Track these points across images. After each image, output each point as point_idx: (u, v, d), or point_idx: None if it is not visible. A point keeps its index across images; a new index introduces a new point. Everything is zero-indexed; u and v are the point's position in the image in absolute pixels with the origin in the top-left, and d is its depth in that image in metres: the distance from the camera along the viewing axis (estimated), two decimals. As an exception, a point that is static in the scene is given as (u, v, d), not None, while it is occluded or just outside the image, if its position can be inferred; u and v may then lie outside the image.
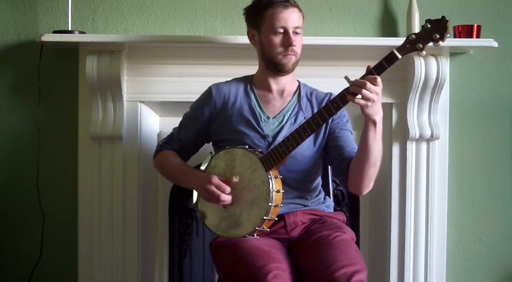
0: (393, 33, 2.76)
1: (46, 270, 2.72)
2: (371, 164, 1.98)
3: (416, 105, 2.68)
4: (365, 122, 1.94)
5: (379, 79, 1.87)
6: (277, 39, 2.11)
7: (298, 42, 2.13)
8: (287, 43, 2.10)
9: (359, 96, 1.87)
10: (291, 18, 2.10)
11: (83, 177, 2.69)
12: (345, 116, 2.22)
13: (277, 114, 2.19)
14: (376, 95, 1.86)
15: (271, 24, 2.10)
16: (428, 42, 1.88)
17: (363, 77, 1.87)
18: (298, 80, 2.28)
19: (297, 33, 2.12)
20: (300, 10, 2.15)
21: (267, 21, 2.11)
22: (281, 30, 2.10)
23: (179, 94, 2.64)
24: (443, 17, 1.87)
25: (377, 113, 1.91)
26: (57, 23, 2.69)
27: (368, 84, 1.84)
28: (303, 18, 2.17)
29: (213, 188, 2.03)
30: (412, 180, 2.72)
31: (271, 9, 2.10)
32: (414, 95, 2.66)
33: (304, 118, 2.15)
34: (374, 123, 1.92)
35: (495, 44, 2.60)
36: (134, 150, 2.67)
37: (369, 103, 1.86)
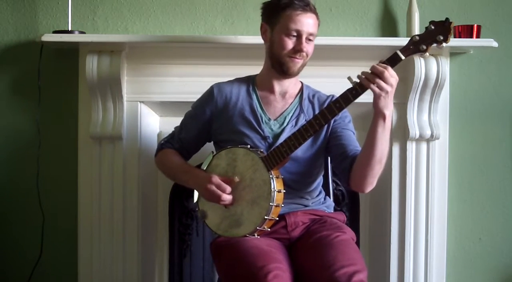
0: (393, 33, 2.76)
1: (46, 270, 2.72)
2: (376, 160, 1.96)
3: (416, 105, 2.69)
4: (374, 116, 1.93)
5: (391, 70, 1.85)
6: (289, 42, 2.09)
7: (309, 49, 2.12)
8: (297, 47, 2.09)
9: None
10: (307, 23, 2.09)
11: (83, 177, 2.69)
12: (347, 117, 2.21)
13: (278, 116, 2.19)
14: (391, 87, 1.86)
15: (286, 25, 2.08)
16: (432, 44, 1.87)
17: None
18: (301, 82, 2.27)
19: (310, 39, 2.11)
20: (318, 18, 2.14)
21: (283, 21, 2.09)
22: (295, 33, 2.09)
23: (179, 94, 2.64)
24: (447, 18, 1.87)
25: (388, 108, 1.90)
26: (57, 23, 2.69)
27: (386, 73, 1.84)
28: (319, 25, 2.15)
29: (214, 188, 2.03)
30: (412, 180, 2.72)
31: (290, 10, 2.08)
32: (414, 95, 2.66)
33: (305, 120, 2.13)
34: (384, 117, 1.91)
35: (495, 44, 2.60)
36: (134, 150, 2.67)
37: (383, 94, 1.86)
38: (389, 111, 1.91)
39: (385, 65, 1.86)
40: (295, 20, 2.08)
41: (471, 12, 2.78)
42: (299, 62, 2.13)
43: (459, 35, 2.64)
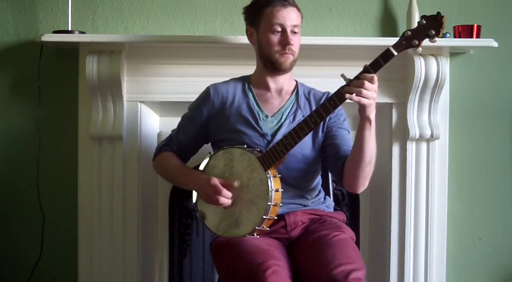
0: (393, 33, 2.76)
1: (46, 270, 2.72)
2: (366, 162, 2.00)
3: (416, 105, 2.68)
4: (360, 121, 1.96)
5: (375, 78, 1.88)
6: (275, 38, 2.12)
7: (296, 41, 2.14)
8: (284, 42, 2.11)
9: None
10: (289, 16, 2.11)
11: (83, 177, 2.69)
12: (342, 115, 2.22)
13: (276, 113, 2.20)
14: (375, 93, 1.88)
15: (269, 22, 2.11)
16: (424, 38, 1.88)
17: (359, 75, 1.88)
18: (295, 80, 2.28)
19: (295, 32, 2.13)
20: (299, 10, 2.17)
21: (265, 19, 2.13)
22: (279, 29, 2.11)
23: (179, 94, 2.64)
24: (438, 13, 1.87)
25: (372, 112, 1.94)
26: (57, 23, 2.69)
27: (367, 84, 1.86)
28: (302, 18, 2.18)
29: (212, 191, 2.03)
30: (412, 180, 2.72)
31: (270, 7, 2.11)
32: (414, 95, 2.66)
33: (303, 116, 2.16)
34: (370, 122, 1.94)
35: (495, 44, 2.60)
36: (134, 150, 2.67)
37: (372, 102, 1.88)
38: (373, 114, 1.95)
39: (360, 81, 1.87)
40: (277, 15, 2.11)
41: (471, 12, 2.78)
42: (289, 56, 2.14)
43: (459, 35, 2.64)
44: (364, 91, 1.86)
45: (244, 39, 2.54)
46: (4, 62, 2.71)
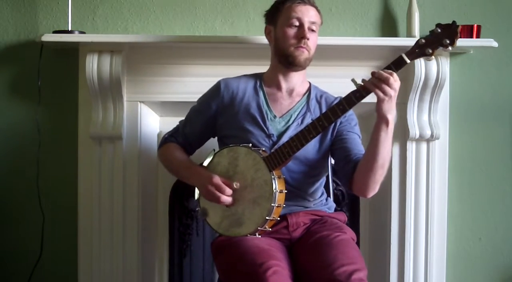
0: (393, 33, 2.76)
1: (46, 270, 2.72)
2: (379, 165, 1.96)
3: (416, 105, 2.69)
4: (376, 121, 1.92)
5: (395, 75, 1.85)
6: (291, 31, 2.12)
7: (313, 38, 2.15)
8: (300, 35, 2.11)
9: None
10: (308, 13, 2.13)
11: (83, 177, 2.69)
12: (353, 120, 2.20)
13: (284, 114, 2.19)
14: (394, 92, 1.86)
15: (287, 16, 2.13)
16: (438, 48, 1.86)
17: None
18: (309, 82, 2.27)
19: (312, 30, 2.14)
20: (318, 11, 2.18)
21: (283, 14, 2.14)
22: (296, 23, 2.12)
23: (179, 94, 2.64)
24: (453, 21, 1.84)
25: (391, 112, 1.90)
26: (57, 23, 2.69)
27: (391, 79, 1.83)
28: (321, 19, 2.19)
29: (213, 189, 2.03)
30: (412, 180, 2.72)
31: (289, 3, 2.14)
32: (414, 95, 2.66)
33: (312, 120, 2.12)
34: (387, 122, 1.91)
35: (495, 44, 2.60)
36: (134, 150, 2.67)
37: (387, 98, 1.85)
38: (392, 115, 1.91)
39: (390, 71, 1.85)
40: (295, 10, 2.12)
41: (471, 12, 2.78)
42: (304, 51, 2.13)
43: (459, 35, 2.64)
44: (384, 87, 1.83)
45: (244, 39, 2.54)
46: (4, 62, 2.70)
